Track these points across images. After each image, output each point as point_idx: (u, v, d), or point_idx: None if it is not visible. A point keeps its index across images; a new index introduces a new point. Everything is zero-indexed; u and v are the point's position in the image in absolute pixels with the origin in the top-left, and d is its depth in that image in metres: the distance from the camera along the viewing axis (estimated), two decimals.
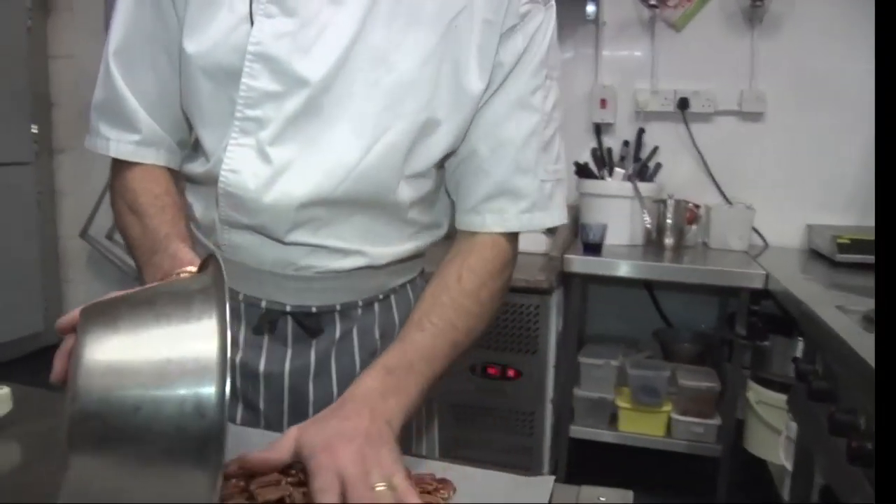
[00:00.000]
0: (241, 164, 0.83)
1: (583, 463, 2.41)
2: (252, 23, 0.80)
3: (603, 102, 2.71)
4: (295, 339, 0.92)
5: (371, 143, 0.82)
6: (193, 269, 0.73)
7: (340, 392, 0.80)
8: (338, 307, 0.92)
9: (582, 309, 2.54)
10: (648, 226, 2.40)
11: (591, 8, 2.67)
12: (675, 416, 2.29)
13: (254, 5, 0.80)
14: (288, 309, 0.90)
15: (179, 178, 0.94)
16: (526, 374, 2.18)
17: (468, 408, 2.23)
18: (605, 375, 2.35)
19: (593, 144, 2.73)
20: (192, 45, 0.83)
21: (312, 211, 0.84)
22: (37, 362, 3.02)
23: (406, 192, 0.88)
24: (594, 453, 2.40)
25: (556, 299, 2.18)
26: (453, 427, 2.24)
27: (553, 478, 0.72)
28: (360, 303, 0.93)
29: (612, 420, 2.36)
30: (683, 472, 2.50)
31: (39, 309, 3.22)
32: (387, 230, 0.91)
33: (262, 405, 0.93)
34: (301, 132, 0.82)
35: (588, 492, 0.73)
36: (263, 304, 0.91)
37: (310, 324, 0.91)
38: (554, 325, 2.18)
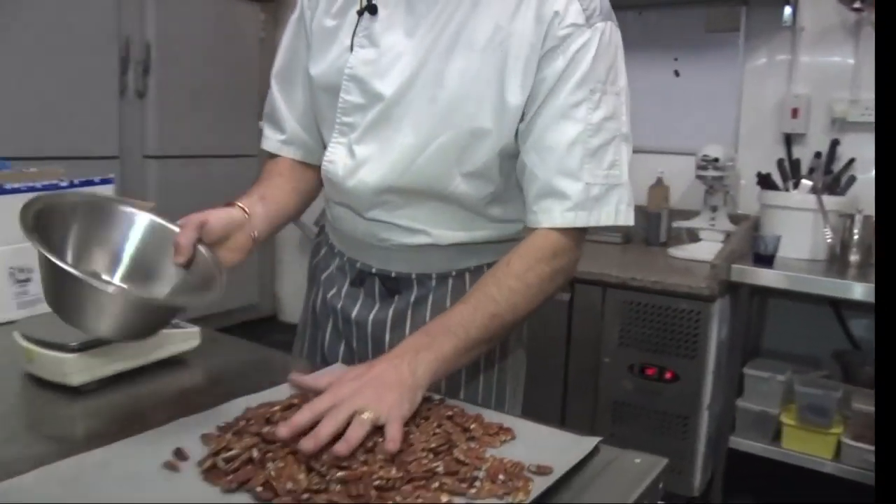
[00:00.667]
0: (335, 157, 1.10)
1: (741, 475, 2.37)
2: (352, 51, 1.06)
3: (794, 112, 2.63)
4: (381, 296, 1.16)
5: (426, 146, 1.04)
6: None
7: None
8: (413, 275, 1.13)
9: (751, 320, 2.49)
10: (829, 240, 2.31)
11: (787, 13, 2.60)
12: (846, 439, 2.19)
13: (354, 38, 1.06)
14: (374, 270, 1.15)
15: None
16: (683, 377, 2.20)
17: (624, 405, 2.29)
18: (770, 389, 2.30)
19: (782, 155, 2.65)
20: (314, 69, 1.12)
21: (385, 196, 1.08)
22: (252, 329, 3.45)
23: (464, 187, 1.07)
24: (754, 467, 2.35)
25: (718, 307, 2.17)
26: (609, 424, 2.31)
27: (599, 438, 0.81)
28: (434, 275, 1.13)
29: (776, 436, 2.30)
30: (846, 499, 2.38)
31: (255, 284, 3.70)
32: (453, 217, 1.10)
33: (354, 344, 1.19)
34: (377, 135, 1.06)
35: (627, 454, 0.81)
36: (358, 264, 1.17)
37: (390, 285, 1.15)
38: (716, 332, 2.17)
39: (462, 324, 0.93)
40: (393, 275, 1.14)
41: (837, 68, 2.59)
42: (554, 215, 1.01)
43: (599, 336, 2.32)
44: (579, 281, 2.33)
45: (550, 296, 1.03)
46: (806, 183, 2.44)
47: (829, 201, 2.33)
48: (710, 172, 2.49)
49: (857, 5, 2.45)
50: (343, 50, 1.08)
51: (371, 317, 1.16)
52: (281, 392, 0.90)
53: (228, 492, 0.67)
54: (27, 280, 1.26)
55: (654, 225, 2.80)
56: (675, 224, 2.73)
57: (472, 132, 1.02)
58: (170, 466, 0.72)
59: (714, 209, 2.62)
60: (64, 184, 1.27)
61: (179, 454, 0.74)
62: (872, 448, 2.15)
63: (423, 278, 1.13)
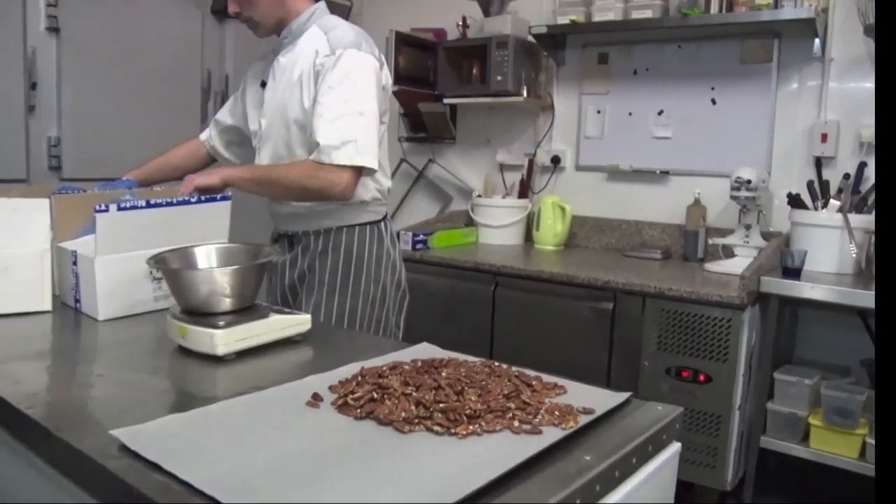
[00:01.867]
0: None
1: (772, 473, 2.56)
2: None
3: (824, 137, 2.83)
4: (288, 247, 1.99)
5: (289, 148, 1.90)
6: None
7: (299, 274, 1.95)
8: (300, 232, 1.94)
9: (784, 330, 2.67)
10: (854, 255, 2.50)
11: (817, 45, 2.81)
12: (871, 440, 2.37)
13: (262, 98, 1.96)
14: (282, 232, 2.00)
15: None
16: (715, 379, 2.40)
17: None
18: (799, 393, 2.49)
19: (812, 177, 2.84)
20: (240, 115, 2.13)
21: None
22: None
23: None
24: (785, 466, 2.53)
25: (748, 315, 2.38)
26: None
27: (629, 394, 1.05)
28: (311, 232, 1.92)
29: (805, 437, 2.49)
30: (872, 497, 2.54)
31: None
32: None
33: (277, 278, 2.02)
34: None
35: (651, 404, 1.04)
36: (279, 231, 2.02)
37: (290, 239, 1.98)
38: (745, 338, 2.38)
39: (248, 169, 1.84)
40: (290, 233, 1.97)
41: (865, 95, 2.79)
42: (314, 155, 1.73)
43: (640, 341, 2.54)
44: (621, 291, 2.55)
45: (305, 188, 1.73)
46: (834, 202, 2.64)
47: (855, 219, 2.53)
48: (743, 193, 2.70)
49: None
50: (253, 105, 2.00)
51: (280, 260, 1.98)
52: (377, 361, 1.16)
53: (358, 419, 0.93)
54: (161, 278, 1.54)
55: (692, 242, 3.01)
56: (712, 241, 2.94)
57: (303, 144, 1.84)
58: (311, 405, 0.98)
59: (748, 227, 2.82)
60: (193, 199, 1.54)
61: (316, 397, 1.00)
62: None
63: (305, 234, 1.93)
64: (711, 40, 3.03)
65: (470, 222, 3.45)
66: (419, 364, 1.12)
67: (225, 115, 2.16)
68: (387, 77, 1.89)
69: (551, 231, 3.26)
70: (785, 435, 2.51)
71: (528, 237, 3.41)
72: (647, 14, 2.94)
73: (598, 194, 3.36)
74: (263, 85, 1.94)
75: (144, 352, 1.30)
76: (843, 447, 2.41)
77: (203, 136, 2.21)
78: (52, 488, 0.91)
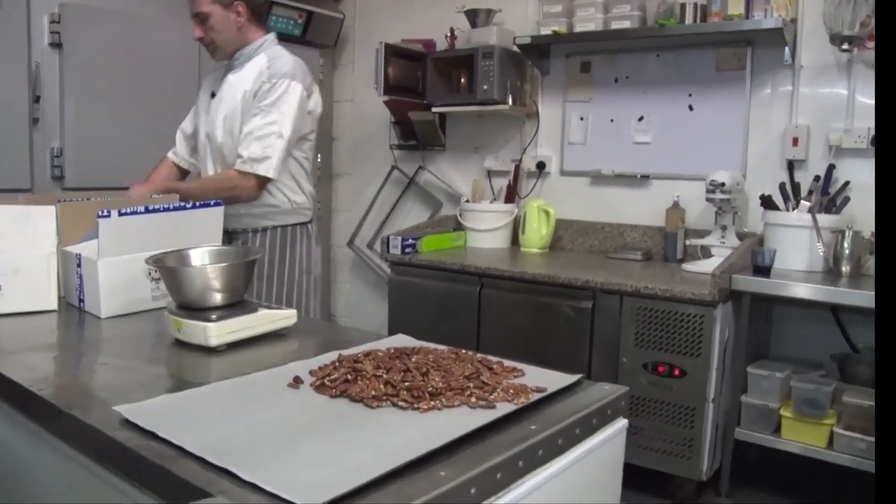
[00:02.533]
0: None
1: (747, 464, 2.67)
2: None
3: (795, 140, 2.95)
4: (230, 243, 2.27)
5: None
6: None
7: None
8: (240, 230, 2.32)
9: (755, 325, 2.79)
10: (821, 253, 2.62)
11: (787, 53, 2.93)
12: (838, 429, 2.48)
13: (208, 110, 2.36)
14: (229, 230, 2.26)
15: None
16: (690, 374, 2.52)
17: (640, 399, 2.61)
18: (771, 386, 2.60)
19: (785, 179, 2.96)
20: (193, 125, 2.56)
21: None
22: None
23: None
24: (763, 457, 2.65)
25: (721, 312, 2.49)
26: (627, 415, 2.62)
27: (581, 375, 1.16)
28: (250, 230, 2.32)
29: (777, 428, 2.60)
30: (845, 486, 2.65)
31: None
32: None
33: None
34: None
35: (600, 384, 1.16)
36: (227, 229, 2.21)
37: (233, 236, 2.32)
38: (718, 334, 2.49)
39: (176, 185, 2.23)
40: (231, 230, 2.28)
41: (833, 101, 2.91)
42: (237, 164, 2.17)
43: (618, 338, 2.66)
44: (600, 290, 2.67)
45: (223, 198, 1.86)
46: (805, 203, 2.76)
47: (824, 219, 2.65)
48: (718, 195, 2.82)
49: (845, 46, 2.77)
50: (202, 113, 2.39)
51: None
52: (355, 350, 1.28)
53: (333, 398, 1.05)
54: (159, 279, 1.65)
55: (672, 243, 3.13)
56: (690, 242, 3.06)
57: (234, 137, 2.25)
58: (291, 386, 1.10)
59: (724, 228, 2.94)
60: (189, 205, 1.66)
61: (297, 379, 1.12)
62: (862, 437, 2.43)
63: (243, 230, 2.31)
64: (687, 49, 3.16)
65: (459, 227, 3.57)
66: (392, 351, 1.24)
67: (187, 125, 2.52)
68: (315, 104, 2.32)
69: (536, 234, 3.37)
70: (758, 426, 2.62)
71: (515, 241, 3.52)
72: (626, 24, 3.07)
73: (582, 198, 3.48)
74: (213, 96, 2.32)
75: (144, 344, 1.42)
76: (812, 437, 2.53)
77: (170, 153, 2.56)
78: (63, 460, 1.02)
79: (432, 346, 1.31)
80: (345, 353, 1.25)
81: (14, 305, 1.60)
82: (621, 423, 1.16)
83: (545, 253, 3.37)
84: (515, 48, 3.40)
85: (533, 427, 0.97)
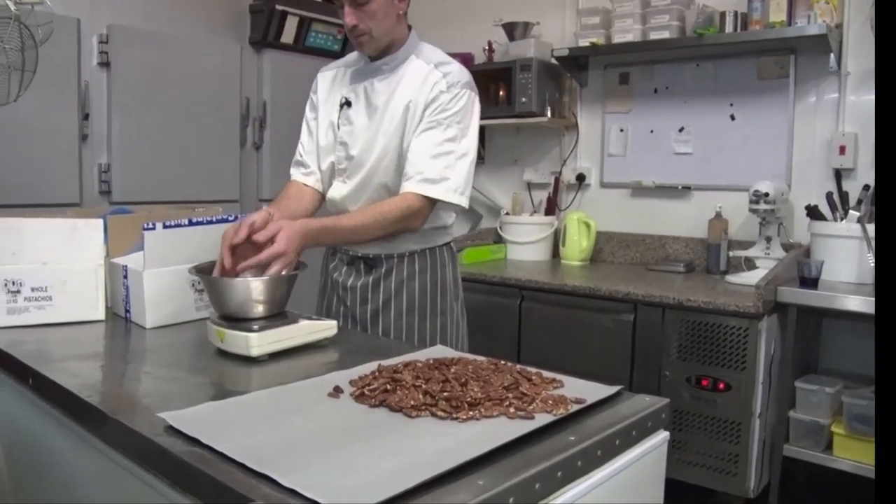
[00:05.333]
0: (335, 190, 1.93)
1: (795, 482, 2.61)
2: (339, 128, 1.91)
3: (842, 149, 2.89)
4: (364, 271, 1.92)
5: (378, 181, 1.86)
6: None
7: (384, 298, 1.89)
8: (382, 255, 1.89)
9: (802, 338, 2.73)
10: (872, 264, 2.56)
11: (832, 60, 2.88)
12: None
13: (339, 120, 1.91)
14: (359, 254, 1.91)
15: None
16: (735, 388, 2.47)
17: (684, 413, 2.57)
18: (820, 401, 2.54)
19: (833, 188, 2.90)
20: (320, 137, 1.99)
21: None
22: None
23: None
24: (813, 475, 2.58)
25: (766, 324, 2.45)
26: (670, 431, 2.59)
27: (621, 387, 1.15)
28: (395, 255, 1.89)
29: (828, 445, 2.53)
30: None
31: None
32: None
33: (348, 302, 1.94)
34: (354, 175, 1.88)
35: (640, 396, 1.14)
36: (350, 252, 1.94)
37: (369, 263, 1.91)
38: (764, 347, 2.45)
39: (336, 224, 1.72)
40: (371, 256, 1.90)
41: None
42: (410, 185, 1.76)
43: (660, 351, 2.62)
44: (641, 303, 2.64)
45: (394, 231, 1.76)
46: (854, 213, 2.70)
47: (874, 229, 2.58)
48: (762, 206, 2.78)
49: None
50: (331, 126, 1.93)
51: (359, 284, 1.91)
52: (394, 361, 1.28)
53: (373, 407, 1.05)
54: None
55: (714, 254, 3.08)
56: (734, 253, 3.01)
57: (395, 170, 1.83)
58: (332, 395, 1.10)
59: (768, 239, 2.89)
60: (231, 217, 1.69)
61: (337, 389, 1.12)
62: None
63: (388, 258, 1.89)
64: (728, 58, 3.12)
65: (499, 239, 3.57)
66: (431, 361, 1.24)
67: (309, 139, 2.00)
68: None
69: (577, 247, 3.36)
70: (808, 443, 2.56)
71: (556, 253, 3.51)
72: (665, 35, 3.05)
73: (622, 210, 3.46)
74: (348, 104, 1.89)
75: (187, 354, 1.44)
76: (866, 454, 2.45)
77: (299, 175, 1.99)
78: (107, 463, 1.04)
79: (471, 357, 1.31)
80: (384, 363, 1.25)
81: (63, 315, 1.64)
82: (662, 436, 1.14)
83: (586, 265, 3.35)
84: (553, 60, 3.40)
85: (572, 438, 0.96)
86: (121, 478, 1.02)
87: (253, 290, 1.36)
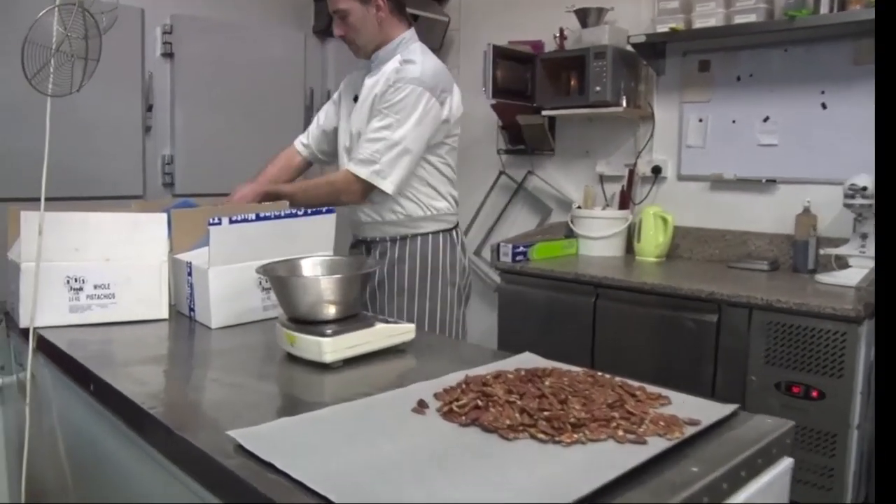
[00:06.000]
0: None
1: None
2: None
3: None
4: (367, 253, 2.16)
5: None
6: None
7: (379, 280, 2.13)
8: (378, 239, 2.13)
9: None
10: None
11: None
12: None
13: (353, 114, 2.18)
14: (361, 238, 2.19)
15: None
16: (830, 396, 2.29)
17: None
18: None
19: None
20: (338, 125, 2.31)
21: None
22: None
23: None
24: None
25: (866, 329, 2.26)
26: None
27: (737, 406, 1.01)
28: (388, 239, 2.11)
29: None
30: None
31: None
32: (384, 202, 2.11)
33: None
34: None
35: (760, 417, 1.01)
36: (359, 237, 2.21)
37: (369, 246, 2.16)
38: (863, 353, 2.26)
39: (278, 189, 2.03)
40: (369, 239, 2.15)
41: None
42: (345, 163, 2.07)
43: (746, 355, 2.45)
44: (726, 303, 2.48)
45: (328, 201, 1.90)
46: None
47: None
48: (858, 201, 2.58)
49: None
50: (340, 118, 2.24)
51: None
52: (481, 370, 1.16)
53: (464, 426, 0.94)
54: (269, 288, 1.59)
55: (802, 252, 2.89)
56: (824, 251, 2.81)
57: None
58: (416, 411, 1.00)
59: (864, 236, 2.68)
60: (300, 212, 1.60)
61: (422, 403, 1.01)
62: None
63: (381, 240, 2.12)
64: (821, 42, 2.91)
65: (570, 234, 3.43)
66: (522, 373, 1.12)
67: (326, 120, 2.32)
68: (451, 111, 2.10)
69: (653, 242, 3.19)
70: None
71: (629, 249, 3.35)
72: (751, 18, 2.86)
73: (700, 204, 3.28)
74: (356, 99, 2.15)
75: (255, 358, 1.35)
76: None
77: (299, 143, 2.37)
78: (171, 482, 0.95)
79: (564, 367, 1.19)
80: (471, 373, 1.14)
81: (126, 314, 1.57)
82: (787, 463, 1.02)
83: (661, 262, 3.19)
84: (629, 47, 3.23)
85: (695, 469, 0.84)
86: (185, 498, 0.93)
87: (325, 290, 1.26)
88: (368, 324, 1.30)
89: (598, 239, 3.32)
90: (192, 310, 1.61)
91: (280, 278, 1.33)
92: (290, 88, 3.45)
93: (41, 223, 1.46)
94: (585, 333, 2.81)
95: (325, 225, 1.65)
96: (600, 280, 2.78)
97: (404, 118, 1.95)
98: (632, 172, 3.43)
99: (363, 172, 1.97)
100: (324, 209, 1.64)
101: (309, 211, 1.62)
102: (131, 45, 2.94)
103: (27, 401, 1.43)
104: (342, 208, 2.07)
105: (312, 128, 2.35)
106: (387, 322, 1.33)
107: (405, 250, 2.11)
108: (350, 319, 1.30)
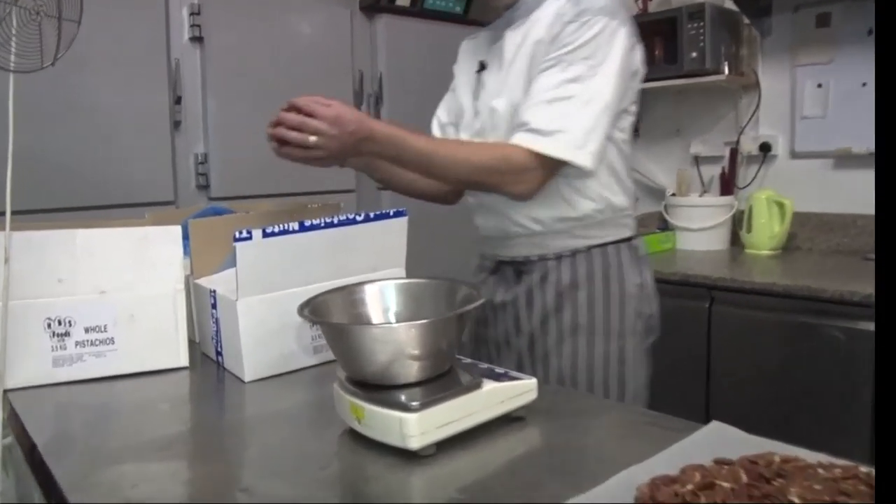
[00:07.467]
0: None
1: None
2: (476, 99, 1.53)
3: None
4: (514, 280, 1.49)
5: None
6: None
7: (541, 316, 1.43)
8: (535, 258, 1.45)
9: None
10: None
11: None
12: None
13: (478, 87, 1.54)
14: (506, 259, 1.49)
15: None
16: None
17: None
18: None
19: None
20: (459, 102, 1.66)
21: None
22: None
23: None
24: None
25: None
26: None
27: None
28: (552, 256, 1.43)
29: None
30: None
31: None
32: (546, 198, 1.40)
33: (497, 325, 1.52)
34: None
35: None
36: (496, 258, 1.53)
37: (520, 268, 1.47)
38: None
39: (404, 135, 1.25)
40: (520, 259, 1.47)
41: None
42: (515, 136, 1.31)
43: None
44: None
45: (479, 183, 1.35)
46: None
47: None
48: None
49: None
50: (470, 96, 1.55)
51: (509, 298, 1.48)
52: (658, 464, 0.72)
53: None
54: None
55: None
56: None
57: None
58: None
59: None
60: (360, 218, 1.17)
61: None
62: None
63: (542, 259, 1.44)
64: None
65: (664, 226, 2.95)
66: (741, 474, 0.67)
67: (446, 113, 1.69)
68: (639, 61, 1.45)
69: (767, 232, 2.70)
70: None
71: (734, 240, 2.86)
72: None
73: (821, 185, 2.77)
74: (483, 68, 1.52)
75: (307, 439, 0.92)
76: None
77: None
78: None
79: (791, 451, 0.73)
80: (642, 472, 0.69)
81: (131, 364, 1.16)
82: None
83: (778, 255, 2.69)
84: (730, 4, 2.74)
85: None
86: None
87: (405, 341, 0.82)
88: (471, 385, 0.86)
89: (700, 231, 2.84)
90: (219, 353, 1.20)
91: (336, 328, 0.90)
92: (336, 72, 3.02)
93: (7, 246, 1.05)
94: (699, 345, 2.34)
95: (395, 233, 1.22)
96: (714, 281, 2.30)
97: (598, 64, 1.30)
98: (734, 152, 2.93)
99: (548, 146, 1.28)
100: (391, 211, 1.20)
101: (372, 215, 1.19)
102: (154, 28, 2.55)
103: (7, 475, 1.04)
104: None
105: (435, 129, 1.69)
106: (498, 379, 0.89)
107: (579, 270, 1.42)
108: (444, 379, 0.87)
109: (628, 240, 1.47)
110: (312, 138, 1.16)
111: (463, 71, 1.62)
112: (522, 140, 1.29)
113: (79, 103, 2.37)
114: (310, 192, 2.88)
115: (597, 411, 0.98)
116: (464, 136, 1.52)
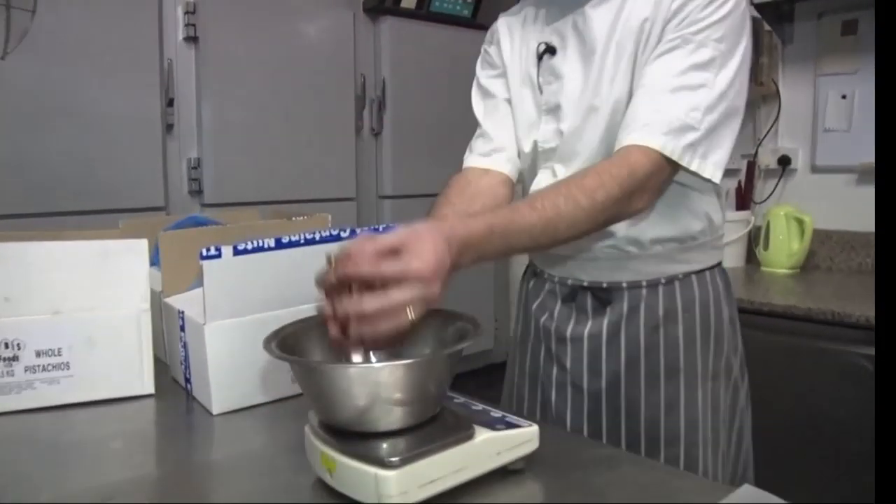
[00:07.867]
0: (542, 180, 1.21)
1: None
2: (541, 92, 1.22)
3: None
4: (593, 311, 1.19)
5: (609, 151, 1.13)
6: None
7: (627, 355, 1.16)
8: (624, 284, 1.17)
9: None
10: None
11: None
12: None
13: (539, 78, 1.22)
14: (585, 284, 1.19)
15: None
16: None
17: None
18: None
19: None
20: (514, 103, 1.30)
21: None
22: (487, 376, 3.20)
23: None
24: None
25: None
26: None
27: None
28: (644, 283, 1.16)
29: None
30: None
31: (490, 330, 3.45)
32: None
33: (568, 364, 1.21)
34: (569, 154, 1.18)
35: None
36: (569, 281, 1.22)
37: (602, 296, 1.18)
38: None
39: (522, 230, 0.93)
40: (605, 285, 1.18)
41: None
42: (631, 136, 1.03)
43: None
44: None
45: (608, 220, 1.03)
46: None
47: None
48: None
49: None
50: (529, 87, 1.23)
51: (586, 332, 1.19)
52: None
53: None
54: None
55: None
56: None
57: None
58: None
59: None
60: (345, 233, 1.05)
61: None
62: None
63: (634, 287, 1.17)
64: None
65: None
66: None
67: (491, 127, 1.30)
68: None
69: (785, 250, 2.57)
70: None
71: (750, 258, 2.73)
72: None
73: (843, 201, 2.63)
74: (552, 52, 1.18)
75: (275, 488, 0.80)
76: None
77: (479, 159, 1.29)
78: None
79: None
80: None
81: (89, 392, 1.04)
82: None
83: (796, 274, 2.56)
84: (750, 10, 2.61)
85: None
86: None
87: (386, 384, 0.70)
88: (462, 434, 0.73)
89: None
90: (188, 380, 1.08)
91: (305, 366, 0.78)
92: (337, 76, 2.91)
93: None
94: None
95: None
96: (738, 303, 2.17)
97: (729, 52, 1.04)
98: (751, 165, 2.81)
99: (676, 149, 1.01)
100: (379, 227, 1.08)
101: (358, 230, 1.07)
102: (147, 27, 2.45)
103: None
104: None
105: (483, 131, 1.32)
106: (493, 426, 0.76)
107: (675, 300, 1.16)
108: (431, 427, 0.74)
109: (719, 266, 1.25)
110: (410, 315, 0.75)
111: (515, 54, 1.26)
112: (640, 138, 1.01)
113: (64, 103, 2.27)
114: (307, 199, 2.78)
115: (610, 464, 0.85)
116: (526, 150, 1.23)
